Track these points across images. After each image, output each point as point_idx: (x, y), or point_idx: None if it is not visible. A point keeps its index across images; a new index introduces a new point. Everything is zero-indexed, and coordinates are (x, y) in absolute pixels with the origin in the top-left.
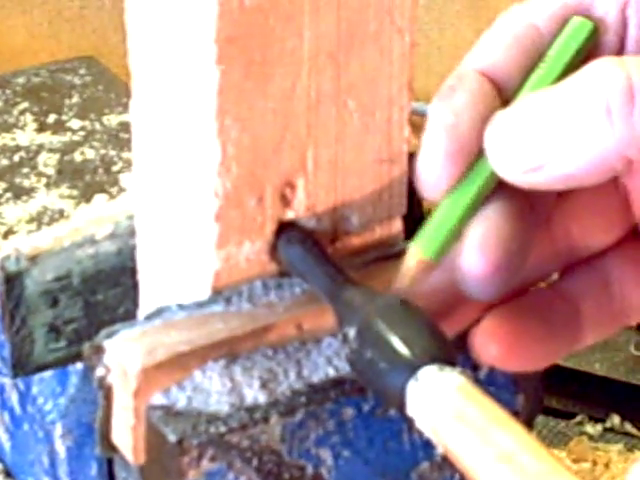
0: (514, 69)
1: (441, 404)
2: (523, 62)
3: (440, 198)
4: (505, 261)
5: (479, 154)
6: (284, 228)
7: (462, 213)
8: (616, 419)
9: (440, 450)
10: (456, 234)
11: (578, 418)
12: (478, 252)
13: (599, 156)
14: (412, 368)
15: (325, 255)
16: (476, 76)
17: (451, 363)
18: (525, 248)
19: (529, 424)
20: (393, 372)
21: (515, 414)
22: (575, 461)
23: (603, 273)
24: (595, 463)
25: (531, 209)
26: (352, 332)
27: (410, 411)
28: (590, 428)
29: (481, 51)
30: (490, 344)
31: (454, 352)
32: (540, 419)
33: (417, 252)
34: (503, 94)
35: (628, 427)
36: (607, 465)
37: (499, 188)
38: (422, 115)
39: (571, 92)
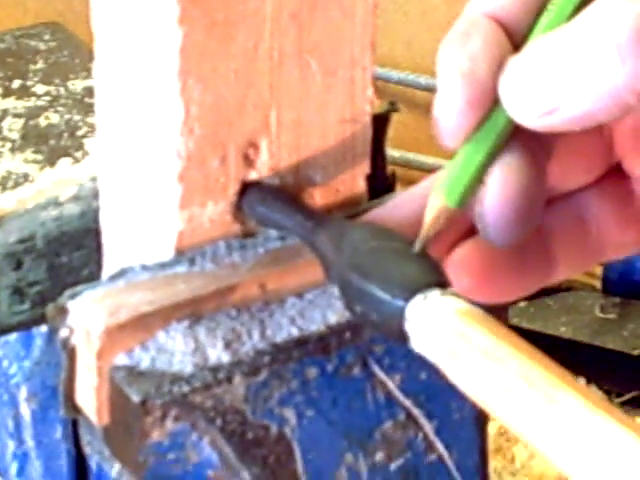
0: (523, 12)
1: (446, 326)
2: (531, 4)
3: (459, 145)
4: (526, 207)
5: (496, 100)
6: (247, 188)
7: (482, 160)
8: (582, 381)
9: (446, 374)
10: (477, 181)
11: None
12: (501, 199)
13: (612, 93)
14: (406, 297)
15: (292, 201)
16: (488, 21)
17: (444, 285)
18: (542, 194)
19: None
20: (387, 310)
21: None
22: None
23: (579, 209)
24: None
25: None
26: (336, 291)
27: (413, 340)
28: None
29: None
30: (462, 275)
31: (444, 273)
32: None
33: (440, 200)
34: (513, 39)
35: (593, 389)
36: None
37: (516, 133)
38: (387, 81)
39: (580, 31)
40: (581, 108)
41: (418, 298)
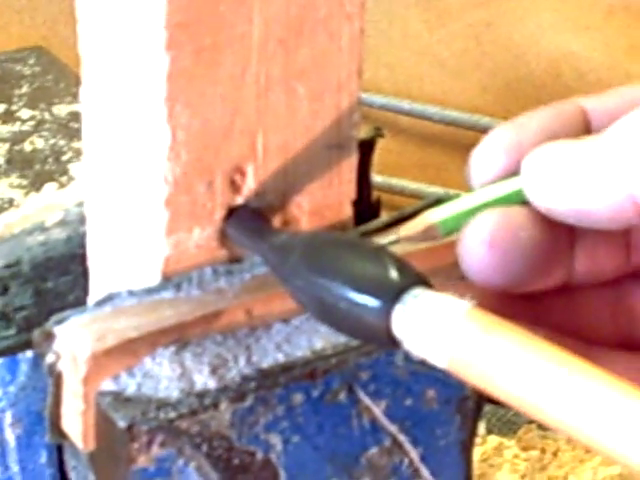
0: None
1: (456, 328)
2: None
3: (483, 184)
4: (510, 252)
5: None
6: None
7: (490, 201)
8: None
9: (459, 376)
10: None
11: None
12: (479, 234)
13: (612, 209)
14: (390, 298)
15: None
16: (575, 105)
17: (427, 283)
18: (537, 246)
19: (478, 412)
20: (370, 314)
21: (464, 399)
22: (524, 449)
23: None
24: (544, 451)
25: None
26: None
27: (408, 345)
28: None
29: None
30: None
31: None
32: (489, 407)
33: (430, 217)
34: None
35: None
36: (555, 453)
37: None
38: (370, 106)
39: (602, 147)
40: (573, 206)
41: (406, 299)
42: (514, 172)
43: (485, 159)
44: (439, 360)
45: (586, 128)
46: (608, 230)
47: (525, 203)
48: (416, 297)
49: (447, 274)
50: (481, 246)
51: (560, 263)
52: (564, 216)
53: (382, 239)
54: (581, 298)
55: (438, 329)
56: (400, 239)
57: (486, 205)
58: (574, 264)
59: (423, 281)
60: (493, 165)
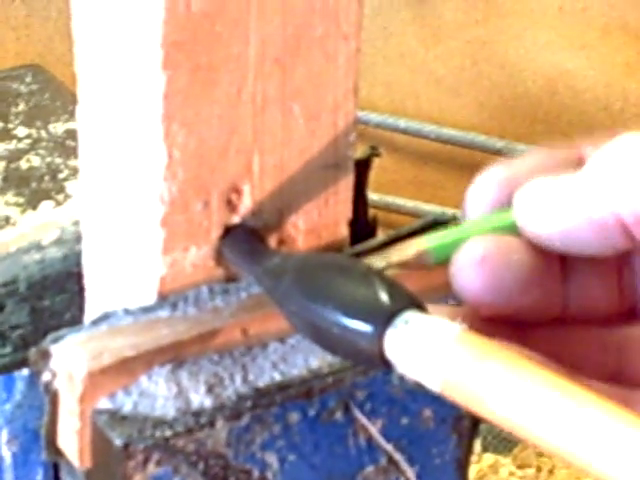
0: None
1: (448, 353)
2: None
3: (477, 215)
4: (502, 272)
5: None
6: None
7: (482, 230)
8: None
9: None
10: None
11: None
12: (476, 257)
13: (596, 228)
14: (382, 322)
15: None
16: (569, 147)
17: (420, 306)
18: (528, 271)
19: (474, 430)
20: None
21: (460, 419)
22: (520, 467)
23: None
24: (539, 469)
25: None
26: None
27: (402, 368)
28: None
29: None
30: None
31: (413, 293)
32: (485, 426)
33: (421, 243)
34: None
35: None
36: (551, 471)
37: None
38: (366, 124)
39: (586, 172)
40: (558, 228)
41: (398, 323)
42: (506, 205)
43: (478, 193)
44: (432, 383)
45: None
46: (596, 257)
47: (517, 235)
48: (407, 321)
49: (439, 295)
50: (473, 265)
51: (552, 294)
52: (551, 241)
53: (373, 265)
54: (571, 332)
55: (430, 353)
56: (391, 265)
57: (479, 234)
58: (567, 299)
59: (415, 303)
60: (486, 198)
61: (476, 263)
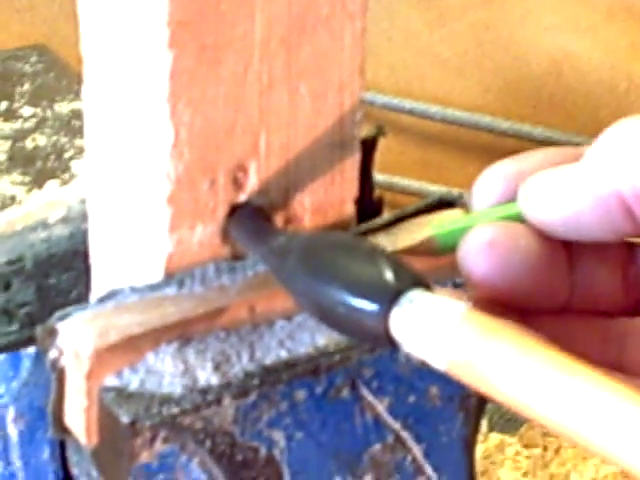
0: None
1: (454, 332)
2: None
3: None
4: (510, 256)
5: None
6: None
7: (491, 220)
8: None
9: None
10: None
11: None
12: (484, 240)
13: (599, 209)
14: (387, 301)
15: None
16: (576, 147)
17: (425, 284)
18: (535, 257)
19: (480, 409)
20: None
21: (467, 397)
22: (526, 447)
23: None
24: (546, 449)
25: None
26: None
27: (408, 347)
28: None
29: None
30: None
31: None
32: (491, 405)
33: (430, 229)
34: None
35: None
36: (557, 451)
37: None
38: (371, 105)
39: (588, 157)
40: (562, 213)
41: (403, 302)
42: (513, 198)
43: (486, 186)
44: (438, 362)
45: None
46: (599, 241)
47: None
48: (413, 300)
49: (444, 275)
50: (481, 249)
51: (557, 282)
52: (555, 226)
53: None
54: (574, 320)
55: (435, 332)
56: (398, 252)
57: (486, 222)
58: (572, 288)
59: (421, 282)
60: (493, 191)
61: (484, 247)
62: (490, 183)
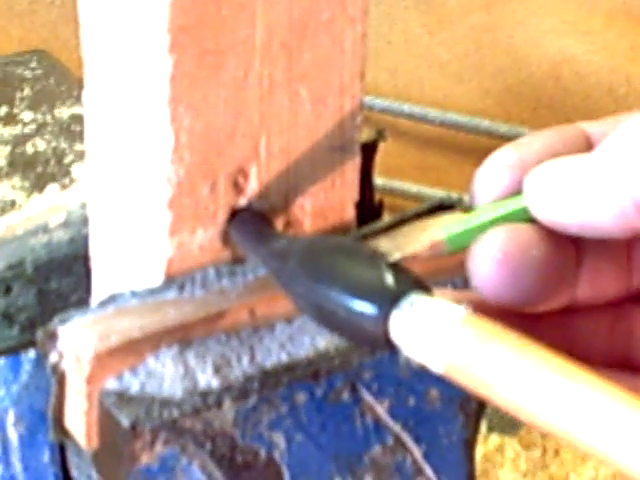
0: None
1: (453, 335)
2: None
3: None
4: (521, 269)
5: None
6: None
7: (496, 218)
8: None
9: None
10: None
11: None
12: (495, 254)
13: (615, 214)
14: (387, 303)
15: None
16: (577, 129)
17: (425, 288)
18: (546, 264)
19: (480, 410)
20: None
21: (467, 398)
22: (525, 448)
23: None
24: (545, 450)
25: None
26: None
27: (407, 350)
28: None
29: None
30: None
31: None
32: (491, 407)
33: (436, 233)
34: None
35: None
36: (557, 452)
37: None
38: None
39: (601, 155)
40: (576, 216)
41: (403, 306)
42: (517, 190)
43: (488, 178)
44: (436, 366)
45: (588, 150)
46: (612, 239)
47: (530, 220)
48: (413, 303)
49: (444, 277)
50: (492, 263)
51: (566, 283)
52: (568, 228)
53: (388, 257)
54: (580, 318)
55: (434, 335)
56: (406, 256)
57: (492, 222)
58: (578, 284)
59: (420, 286)
60: (496, 183)
61: (495, 261)
62: (493, 174)
